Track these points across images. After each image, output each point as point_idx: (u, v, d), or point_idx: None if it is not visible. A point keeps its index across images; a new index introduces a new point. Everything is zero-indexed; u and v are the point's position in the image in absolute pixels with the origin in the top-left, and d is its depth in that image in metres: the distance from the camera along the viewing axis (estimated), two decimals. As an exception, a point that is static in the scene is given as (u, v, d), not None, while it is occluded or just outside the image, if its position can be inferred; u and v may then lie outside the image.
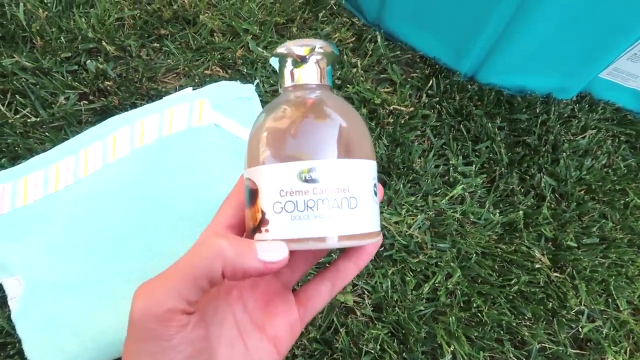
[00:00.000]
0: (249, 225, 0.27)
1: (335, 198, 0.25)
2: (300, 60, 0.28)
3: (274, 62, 0.30)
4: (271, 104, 0.28)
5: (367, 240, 0.26)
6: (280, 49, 0.29)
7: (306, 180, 0.25)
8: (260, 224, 0.26)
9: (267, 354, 0.29)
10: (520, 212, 0.57)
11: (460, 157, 0.60)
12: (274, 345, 0.30)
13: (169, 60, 0.59)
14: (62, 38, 0.57)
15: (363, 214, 0.26)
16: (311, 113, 0.27)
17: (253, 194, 0.26)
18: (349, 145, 0.26)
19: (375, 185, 0.28)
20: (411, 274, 0.53)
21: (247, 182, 0.27)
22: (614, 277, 0.57)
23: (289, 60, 0.29)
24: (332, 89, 0.30)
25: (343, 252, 0.32)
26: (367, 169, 0.27)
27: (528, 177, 0.60)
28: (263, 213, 0.26)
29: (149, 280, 0.24)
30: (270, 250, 0.24)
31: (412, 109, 0.61)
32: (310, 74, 0.29)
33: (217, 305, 0.28)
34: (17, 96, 0.54)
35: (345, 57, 0.63)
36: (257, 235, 0.26)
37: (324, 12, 0.65)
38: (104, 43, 0.57)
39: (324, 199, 0.25)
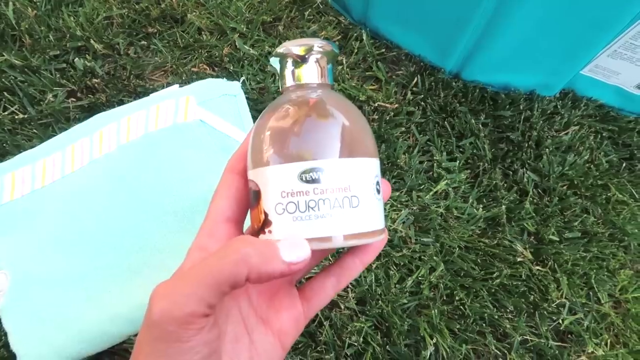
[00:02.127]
0: (253, 226, 0.28)
1: (337, 197, 0.25)
2: (300, 60, 0.28)
3: (274, 62, 0.30)
4: (273, 104, 0.29)
5: (371, 239, 0.27)
6: (280, 49, 0.29)
7: (307, 181, 0.25)
8: (263, 225, 0.26)
9: (271, 347, 0.29)
10: (503, 207, 0.58)
11: (445, 153, 0.61)
12: (279, 339, 0.30)
13: (156, 58, 0.60)
14: (50, 36, 0.58)
15: (365, 212, 0.26)
16: (313, 113, 0.27)
17: (256, 196, 0.27)
18: (351, 144, 0.26)
19: (378, 183, 0.28)
20: (395, 267, 0.54)
21: (251, 183, 0.27)
22: (595, 271, 0.58)
23: (289, 61, 0.29)
24: (333, 87, 0.30)
25: (349, 248, 0.32)
26: (368, 167, 0.27)
27: (511, 173, 0.61)
28: (266, 214, 0.26)
29: (167, 281, 0.24)
30: (292, 249, 0.25)
31: (397, 105, 0.62)
32: (310, 74, 0.29)
33: (223, 299, 0.28)
34: (6, 93, 0.55)
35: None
36: (261, 236, 0.27)
37: (310, 10, 0.66)
38: (92, 41, 0.58)
39: (325, 199, 0.25)
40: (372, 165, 0.27)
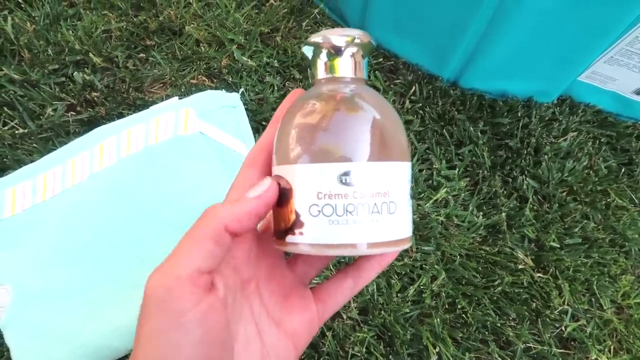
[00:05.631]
0: (279, 225, 0.26)
1: (376, 202, 0.24)
2: (334, 52, 0.27)
3: (307, 50, 0.28)
4: (303, 97, 0.27)
5: (401, 247, 0.26)
6: (316, 38, 0.27)
7: (346, 183, 0.24)
8: (293, 226, 0.25)
9: (284, 350, 0.29)
10: (503, 214, 0.58)
11: (444, 161, 0.61)
12: (292, 342, 0.29)
13: (155, 71, 0.60)
14: (49, 51, 0.58)
15: (401, 218, 0.25)
16: (345, 108, 0.25)
17: (285, 194, 0.25)
18: (386, 143, 0.25)
19: (411, 188, 0.27)
20: (396, 277, 0.54)
21: (279, 180, 0.26)
22: (596, 277, 0.58)
23: (324, 51, 0.27)
24: (367, 82, 0.28)
25: None
26: (405, 171, 0.26)
27: (511, 180, 0.61)
28: (297, 214, 0.25)
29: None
30: (255, 187, 0.25)
31: (395, 114, 0.62)
32: (345, 67, 0.27)
33: (235, 298, 0.27)
34: (6, 108, 0.55)
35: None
36: (290, 237, 0.25)
37: (307, 20, 0.66)
38: (91, 55, 0.58)
39: (364, 204, 0.24)
40: (408, 169, 0.26)
